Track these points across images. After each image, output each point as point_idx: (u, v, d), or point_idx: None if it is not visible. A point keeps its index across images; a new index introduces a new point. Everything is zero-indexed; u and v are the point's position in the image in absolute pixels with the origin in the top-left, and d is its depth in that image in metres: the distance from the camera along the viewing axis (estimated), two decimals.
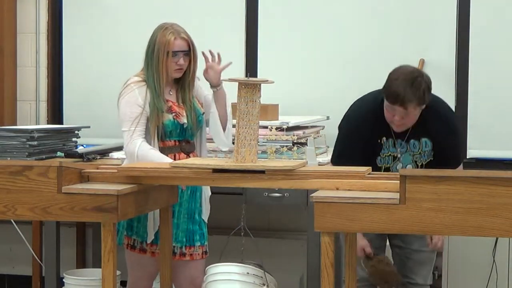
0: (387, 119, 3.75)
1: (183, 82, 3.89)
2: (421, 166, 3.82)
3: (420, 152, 3.82)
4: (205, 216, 3.98)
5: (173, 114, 3.83)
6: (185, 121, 3.85)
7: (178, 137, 3.86)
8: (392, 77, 3.69)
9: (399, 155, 3.81)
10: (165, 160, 3.66)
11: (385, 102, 3.71)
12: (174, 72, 3.84)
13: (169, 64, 3.80)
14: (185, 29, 3.90)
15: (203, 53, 3.87)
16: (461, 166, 3.93)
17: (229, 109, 3.92)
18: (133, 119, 3.77)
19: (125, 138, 3.80)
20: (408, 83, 3.61)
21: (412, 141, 3.81)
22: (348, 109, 3.94)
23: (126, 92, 3.82)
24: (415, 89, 3.61)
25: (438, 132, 3.81)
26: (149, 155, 3.71)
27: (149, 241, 3.84)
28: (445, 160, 3.82)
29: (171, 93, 3.89)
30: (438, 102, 3.86)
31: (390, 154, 3.83)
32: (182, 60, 3.81)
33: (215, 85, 3.88)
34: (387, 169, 3.83)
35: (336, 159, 3.91)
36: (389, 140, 3.82)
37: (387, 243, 4.05)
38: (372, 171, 3.74)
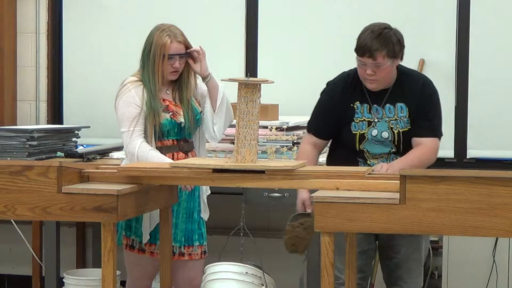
0: (360, 77, 3.74)
1: (180, 82, 3.89)
2: (398, 134, 3.74)
3: (395, 118, 3.75)
4: (205, 215, 3.98)
5: (170, 113, 3.83)
6: (182, 120, 3.85)
7: (176, 136, 3.86)
8: (361, 32, 3.73)
9: (375, 120, 3.74)
10: (165, 161, 3.66)
11: (357, 59, 3.71)
12: (170, 75, 3.83)
13: (165, 66, 3.80)
14: (184, 31, 3.89)
15: (197, 49, 3.86)
16: (436, 142, 3.79)
17: (219, 102, 3.89)
18: (132, 119, 3.77)
19: (124, 139, 3.80)
20: (375, 34, 3.66)
21: (387, 105, 3.77)
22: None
23: (123, 92, 3.82)
24: (383, 39, 3.65)
25: (414, 96, 3.75)
26: (149, 156, 3.71)
27: (144, 241, 3.84)
28: (420, 127, 3.75)
29: (168, 92, 3.89)
30: (418, 72, 3.88)
31: (364, 119, 3.76)
32: (177, 63, 3.81)
33: (204, 76, 3.89)
34: (361, 136, 3.75)
35: (310, 119, 3.92)
36: (364, 105, 3.77)
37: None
38: (346, 137, 3.75)
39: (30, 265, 5.62)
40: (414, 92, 3.77)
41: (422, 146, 3.75)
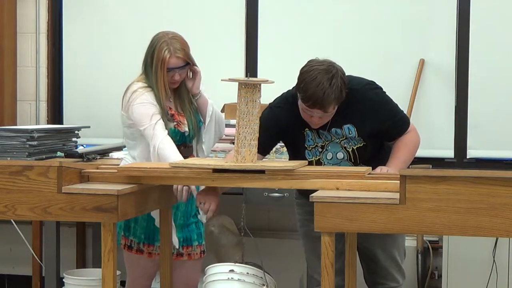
0: (304, 118, 3.57)
1: (179, 91, 3.89)
2: (352, 151, 3.65)
3: (345, 138, 3.63)
4: (203, 218, 3.98)
5: (175, 123, 3.83)
6: (186, 129, 3.86)
7: (177, 142, 3.85)
8: (307, 78, 3.43)
9: (326, 143, 3.63)
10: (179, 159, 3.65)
11: (302, 104, 3.49)
12: (170, 85, 3.84)
13: (166, 78, 3.80)
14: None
15: (195, 68, 3.87)
16: (412, 128, 3.69)
17: (208, 119, 3.90)
18: (151, 115, 3.73)
19: (148, 134, 3.73)
20: (325, 84, 3.39)
21: (333, 129, 3.62)
22: (273, 101, 3.79)
23: (137, 96, 3.78)
24: (333, 89, 3.39)
25: (361, 115, 3.59)
26: (165, 153, 3.69)
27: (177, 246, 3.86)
28: (393, 132, 3.65)
29: (171, 100, 3.89)
30: (352, 85, 3.56)
31: (316, 145, 3.65)
32: (177, 75, 3.80)
33: (194, 94, 3.90)
34: (318, 161, 3.67)
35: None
36: (312, 131, 3.64)
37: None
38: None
39: (30, 265, 5.62)
40: (358, 108, 3.59)
41: (403, 139, 3.66)
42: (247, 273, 3.68)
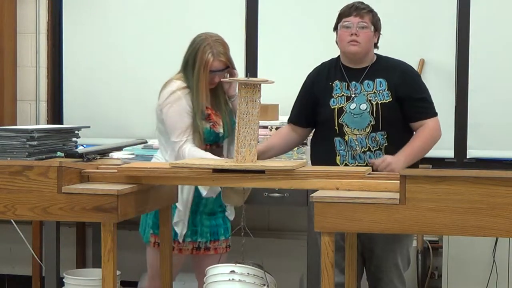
0: (342, 43, 3.79)
1: (216, 92, 3.98)
2: (376, 105, 3.75)
3: (374, 92, 3.78)
4: (230, 215, 4.10)
5: (211, 123, 3.88)
6: (221, 130, 3.93)
7: (210, 142, 3.95)
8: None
9: (353, 95, 3.78)
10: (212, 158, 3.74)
11: (341, 24, 3.80)
12: (209, 85, 3.92)
13: (207, 80, 3.88)
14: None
15: (233, 71, 3.95)
16: (438, 120, 3.84)
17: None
18: (184, 130, 3.85)
19: (175, 147, 3.86)
20: (359, 2, 3.86)
21: (366, 81, 3.81)
22: None
23: (174, 100, 3.87)
24: (367, 5, 3.84)
25: (394, 73, 3.81)
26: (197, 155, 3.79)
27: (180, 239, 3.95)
28: (419, 109, 3.79)
29: (208, 100, 3.94)
30: (397, 59, 3.93)
31: (343, 95, 3.80)
32: (217, 78, 3.90)
33: (230, 96, 4.00)
34: (340, 109, 3.77)
35: (293, 106, 4.00)
36: (342, 83, 3.82)
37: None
38: (325, 114, 3.80)
39: (30, 265, 5.62)
40: (394, 69, 3.83)
41: (426, 128, 3.78)
42: (248, 273, 3.68)
